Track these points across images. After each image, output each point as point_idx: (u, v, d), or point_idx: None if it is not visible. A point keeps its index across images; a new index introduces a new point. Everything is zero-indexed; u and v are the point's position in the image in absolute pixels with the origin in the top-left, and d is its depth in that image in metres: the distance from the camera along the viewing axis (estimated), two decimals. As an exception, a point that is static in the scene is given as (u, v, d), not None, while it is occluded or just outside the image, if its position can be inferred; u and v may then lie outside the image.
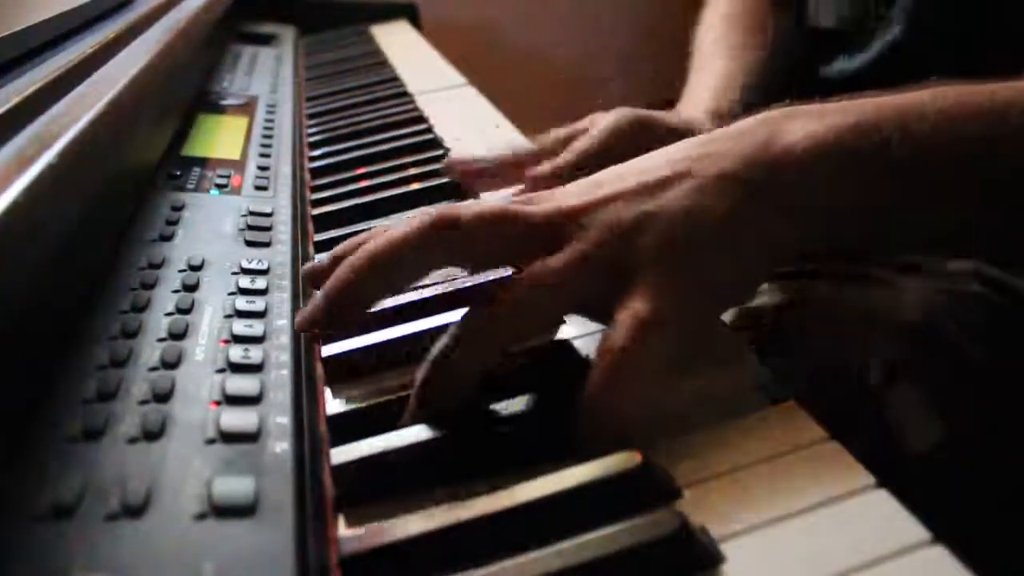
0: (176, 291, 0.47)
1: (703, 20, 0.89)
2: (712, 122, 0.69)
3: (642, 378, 0.36)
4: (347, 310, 0.39)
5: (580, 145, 0.60)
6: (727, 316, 0.55)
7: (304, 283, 0.47)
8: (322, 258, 0.43)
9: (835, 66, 0.76)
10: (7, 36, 0.61)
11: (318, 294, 0.39)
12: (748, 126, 0.42)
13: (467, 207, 0.39)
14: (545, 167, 0.59)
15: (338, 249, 0.42)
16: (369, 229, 0.59)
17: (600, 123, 0.62)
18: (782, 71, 0.82)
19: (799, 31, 0.82)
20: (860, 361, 0.62)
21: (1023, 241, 0.44)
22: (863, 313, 0.66)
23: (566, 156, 0.60)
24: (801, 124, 0.40)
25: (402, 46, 1.29)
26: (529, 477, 0.34)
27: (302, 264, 0.55)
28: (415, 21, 1.57)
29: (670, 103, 0.77)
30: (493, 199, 0.61)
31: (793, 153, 0.39)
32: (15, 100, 0.45)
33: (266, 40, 1.38)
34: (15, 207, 0.33)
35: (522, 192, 0.60)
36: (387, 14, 1.56)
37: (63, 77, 0.53)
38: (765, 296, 0.71)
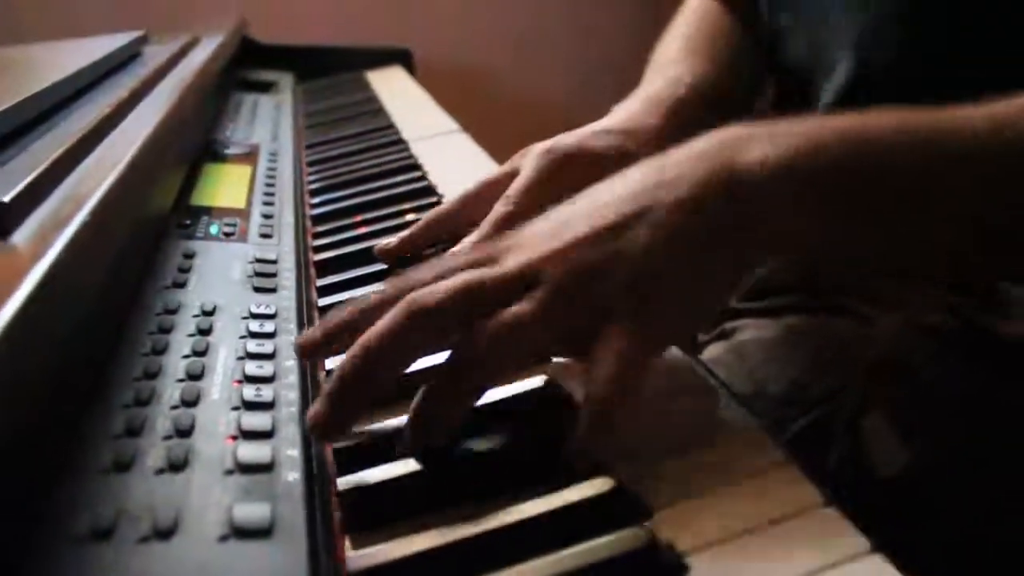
0: (191, 335, 0.51)
1: (661, 42, 0.90)
2: (651, 106, 0.70)
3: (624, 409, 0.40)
4: (350, 412, 0.42)
5: (510, 193, 0.61)
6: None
7: (297, 355, 0.49)
8: (314, 332, 0.46)
9: (797, 106, 0.80)
10: (32, 96, 0.66)
11: (320, 398, 0.41)
12: (705, 148, 0.43)
13: (434, 288, 0.41)
14: (484, 229, 0.60)
15: (328, 325, 0.45)
16: (368, 274, 0.64)
17: (526, 167, 0.63)
18: (737, 88, 0.84)
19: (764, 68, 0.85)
20: (833, 390, 0.66)
21: (983, 260, 0.47)
22: (836, 345, 0.70)
23: (499, 209, 0.61)
24: (759, 146, 0.42)
25: (397, 92, 1.34)
26: (514, 502, 0.38)
27: (306, 308, 0.60)
28: (409, 66, 1.62)
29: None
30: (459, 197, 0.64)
31: (752, 176, 0.41)
32: (46, 162, 0.49)
33: (266, 87, 1.43)
34: (58, 263, 0.37)
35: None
36: (382, 60, 1.61)
37: (87, 137, 0.58)
38: (747, 331, 0.75)
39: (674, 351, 0.49)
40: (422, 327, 0.41)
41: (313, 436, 0.42)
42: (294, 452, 0.41)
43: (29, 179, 0.45)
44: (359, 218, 0.76)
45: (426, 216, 0.66)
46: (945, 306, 0.65)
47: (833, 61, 0.73)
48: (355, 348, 0.41)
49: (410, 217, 0.72)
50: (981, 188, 0.42)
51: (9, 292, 0.33)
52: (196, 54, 1.08)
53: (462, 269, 0.43)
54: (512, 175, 0.64)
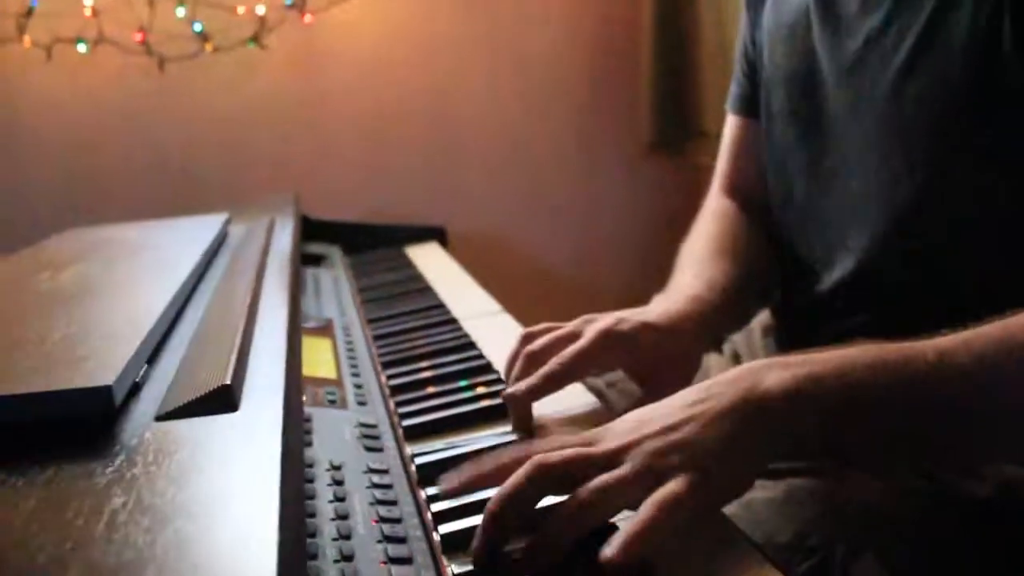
0: (330, 485, 0.66)
1: (689, 238, 1.10)
2: (686, 305, 0.89)
3: (662, 535, 0.55)
4: (500, 535, 0.58)
5: (568, 355, 0.79)
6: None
7: (442, 491, 0.65)
8: (459, 476, 0.63)
9: (801, 291, 0.98)
10: (178, 291, 0.82)
11: (480, 528, 0.58)
12: (737, 375, 0.63)
13: (554, 455, 0.59)
14: (533, 380, 0.78)
15: (472, 473, 0.63)
16: (448, 441, 0.79)
17: (586, 334, 0.82)
18: (755, 289, 1.04)
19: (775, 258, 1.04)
20: (830, 538, 0.81)
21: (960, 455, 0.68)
22: (832, 501, 0.85)
23: (550, 367, 0.79)
24: (776, 374, 0.62)
25: (439, 270, 1.52)
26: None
27: (406, 465, 0.74)
28: (444, 242, 1.82)
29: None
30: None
31: (770, 396, 0.61)
32: (235, 344, 0.65)
33: (318, 260, 1.61)
34: (284, 425, 0.52)
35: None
36: (420, 236, 1.81)
37: (249, 317, 0.74)
38: (756, 490, 0.90)
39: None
40: (545, 482, 0.58)
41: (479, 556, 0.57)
42: (430, 574, 0.56)
43: (233, 360, 0.61)
44: (431, 390, 0.92)
45: (508, 363, 0.84)
46: (925, 472, 0.81)
47: (834, 260, 0.92)
48: (501, 491, 0.57)
49: (481, 390, 0.88)
50: (929, 410, 0.62)
51: (266, 448, 0.48)
52: (280, 236, 1.26)
53: (572, 446, 0.60)
54: (574, 336, 0.82)
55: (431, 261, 1.61)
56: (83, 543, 0.41)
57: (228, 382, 0.58)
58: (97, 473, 0.50)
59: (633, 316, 0.85)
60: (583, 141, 2.54)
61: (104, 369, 0.58)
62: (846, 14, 0.89)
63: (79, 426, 0.55)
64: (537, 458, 0.58)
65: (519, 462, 0.59)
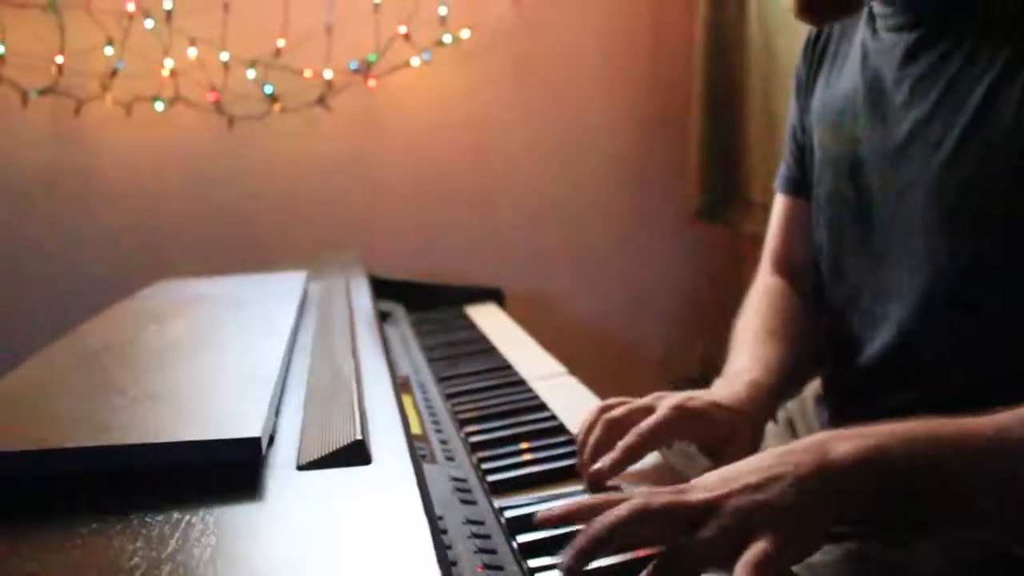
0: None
1: (742, 315, 1.17)
2: (749, 390, 0.96)
3: None
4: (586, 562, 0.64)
5: (645, 427, 0.86)
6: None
7: (537, 520, 0.71)
8: (557, 511, 0.69)
9: (850, 363, 1.04)
10: (287, 349, 0.90)
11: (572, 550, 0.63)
12: (810, 444, 0.69)
13: (656, 499, 0.65)
14: (615, 455, 0.85)
15: (571, 508, 0.69)
16: (531, 496, 0.85)
17: (661, 408, 0.89)
18: (805, 362, 1.10)
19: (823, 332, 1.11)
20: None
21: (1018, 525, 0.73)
22: (890, 564, 0.90)
23: (630, 439, 0.85)
24: (844, 445, 0.68)
25: (500, 331, 1.59)
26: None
27: (498, 517, 0.80)
28: (500, 302, 1.89)
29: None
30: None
31: (840, 465, 0.67)
32: (353, 401, 0.72)
33: (384, 317, 1.68)
34: (415, 475, 0.59)
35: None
36: (478, 296, 1.88)
37: (355, 375, 0.81)
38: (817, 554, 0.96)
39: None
40: (646, 517, 0.64)
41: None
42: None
43: (358, 417, 0.68)
44: (525, 445, 0.98)
45: (588, 440, 0.89)
46: (983, 540, 0.86)
47: (881, 334, 0.98)
48: (598, 522, 0.63)
49: (555, 452, 0.95)
50: (989, 482, 0.68)
51: (407, 498, 0.55)
52: (357, 295, 1.33)
53: (666, 495, 0.66)
54: (648, 410, 0.89)
55: (491, 321, 1.68)
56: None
57: (360, 437, 0.65)
58: (253, 515, 0.57)
59: (702, 395, 0.92)
60: (631, 207, 2.62)
61: (250, 421, 0.65)
62: (893, 103, 0.96)
63: (227, 472, 0.62)
64: (640, 500, 0.65)
65: (614, 502, 0.66)
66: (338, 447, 0.64)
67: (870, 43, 1.00)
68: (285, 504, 0.58)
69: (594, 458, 0.86)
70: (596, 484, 0.86)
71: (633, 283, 2.65)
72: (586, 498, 0.69)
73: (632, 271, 2.64)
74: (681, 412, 0.88)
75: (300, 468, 0.63)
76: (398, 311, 1.77)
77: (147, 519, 0.57)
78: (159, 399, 0.74)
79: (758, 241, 2.44)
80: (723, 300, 2.73)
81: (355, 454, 0.63)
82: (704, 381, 1.19)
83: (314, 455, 0.64)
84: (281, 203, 2.46)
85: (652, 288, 2.66)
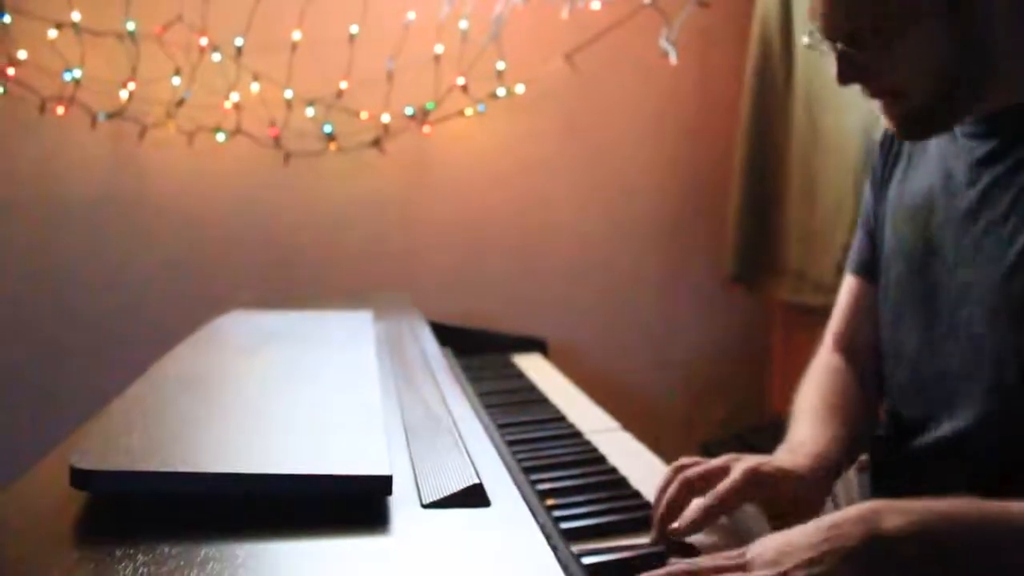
0: None
1: (803, 387, 1.23)
2: (812, 462, 1.01)
3: None
4: None
5: (722, 490, 0.92)
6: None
7: None
8: None
9: (906, 444, 1.10)
10: (374, 391, 0.95)
11: None
12: (859, 515, 0.74)
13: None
14: (697, 516, 0.91)
15: None
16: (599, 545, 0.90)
17: (734, 473, 0.94)
18: (860, 441, 1.15)
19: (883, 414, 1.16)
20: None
21: None
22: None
23: (710, 501, 0.91)
24: (894, 518, 0.74)
25: (549, 382, 1.64)
26: None
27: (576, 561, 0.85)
28: (545, 352, 1.94)
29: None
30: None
31: (890, 537, 0.73)
32: (458, 444, 0.77)
33: (432, 360, 1.73)
34: (534, 516, 0.64)
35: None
36: (522, 346, 1.94)
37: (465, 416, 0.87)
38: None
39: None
40: None
41: None
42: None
43: (470, 461, 0.73)
44: (578, 498, 1.03)
45: (663, 497, 0.94)
46: None
47: (940, 420, 1.03)
48: None
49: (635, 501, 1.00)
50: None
51: (529, 538, 0.60)
52: (425, 339, 1.39)
53: (729, 568, 0.71)
54: (723, 470, 0.95)
55: (539, 372, 1.73)
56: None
57: (478, 481, 0.70)
58: (384, 549, 0.62)
59: (772, 461, 0.98)
60: (667, 267, 2.69)
61: (378, 459, 0.70)
62: (968, 203, 1.02)
63: (353, 505, 0.68)
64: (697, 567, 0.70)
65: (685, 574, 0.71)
66: (458, 488, 0.69)
67: (948, 146, 1.06)
68: (414, 539, 0.63)
69: (669, 513, 0.91)
70: (668, 538, 0.91)
71: (662, 342, 2.70)
72: (659, 572, 0.74)
73: (663, 330, 2.70)
74: (755, 477, 0.94)
75: (425, 507, 0.68)
76: (447, 354, 1.82)
77: (281, 544, 0.62)
78: (277, 430, 0.80)
79: (789, 308, 2.52)
80: (749, 366, 2.80)
81: (475, 495, 0.69)
82: (736, 446, 1.24)
83: (435, 495, 0.69)
84: (328, 239, 2.53)
85: (680, 348, 2.71)
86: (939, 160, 1.07)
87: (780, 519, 0.95)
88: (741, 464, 0.95)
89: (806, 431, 1.08)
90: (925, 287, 1.08)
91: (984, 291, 0.98)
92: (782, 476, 0.96)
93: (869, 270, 1.22)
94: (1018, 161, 0.97)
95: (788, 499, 0.96)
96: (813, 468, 1.00)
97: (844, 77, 0.98)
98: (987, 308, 0.98)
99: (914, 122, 1.00)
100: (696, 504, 0.92)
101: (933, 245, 1.07)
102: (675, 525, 0.90)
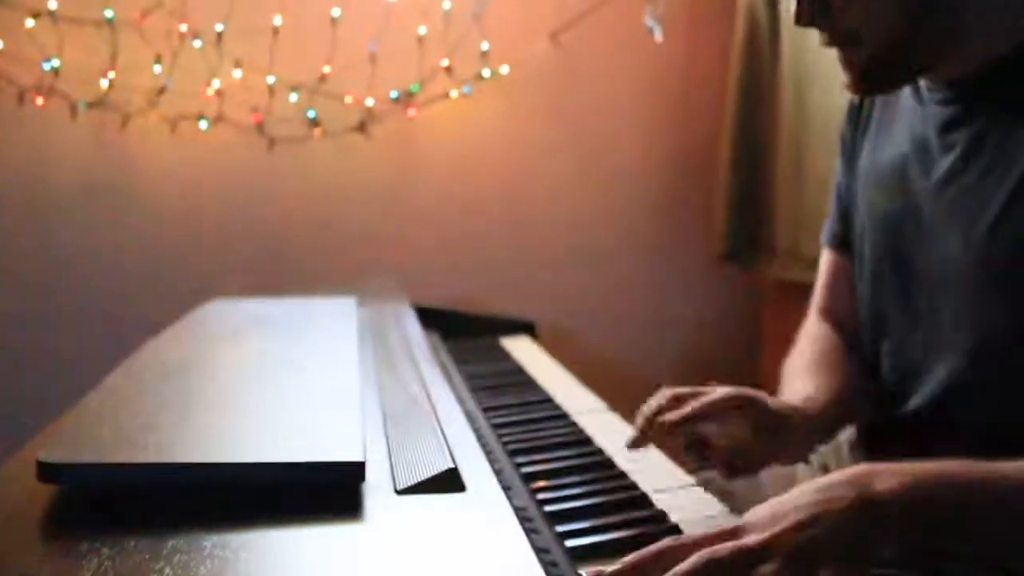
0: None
1: (791, 354, 1.23)
2: (805, 404, 1.04)
3: None
4: None
5: (706, 399, 0.96)
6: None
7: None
8: (628, 560, 0.71)
9: (889, 413, 1.10)
10: (352, 381, 0.94)
11: None
12: (851, 476, 0.74)
13: (722, 549, 0.69)
14: (675, 415, 0.96)
15: (641, 556, 0.71)
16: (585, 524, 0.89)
17: (720, 390, 0.97)
18: (854, 397, 1.15)
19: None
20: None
21: None
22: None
23: (694, 405, 0.96)
24: (885, 480, 0.73)
25: (537, 364, 1.63)
26: None
27: (559, 545, 0.84)
28: (533, 335, 1.93)
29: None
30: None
31: (881, 500, 0.72)
32: (439, 431, 0.76)
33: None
34: (509, 503, 0.63)
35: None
36: (511, 329, 1.92)
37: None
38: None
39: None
40: (711, 572, 0.68)
41: None
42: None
43: (446, 446, 0.72)
44: (562, 480, 1.02)
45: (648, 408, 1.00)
46: (1014, 571, 0.90)
47: (922, 386, 1.03)
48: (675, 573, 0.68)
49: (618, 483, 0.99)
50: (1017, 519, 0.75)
51: (504, 523, 0.59)
52: (410, 324, 1.38)
53: (721, 538, 0.71)
54: (705, 393, 0.99)
55: (527, 354, 1.72)
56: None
57: (453, 466, 0.69)
58: (358, 535, 0.61)
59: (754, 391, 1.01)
60: (658, 247, 2.67)
61: (351, 445, 0.69)
62: (941, 168, 1.01)
63: (326, 493, 0.66)
64: (707, 552, 0.69)
65: (676, 550, 0.70)
66: (433, 474, 0.68)
67: (917, 111, 1.05)
68: (387, 526, 0.62)
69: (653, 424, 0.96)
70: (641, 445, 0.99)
71: (653, 321, 2.69)
72: (651, 548, 0.72)
73: (653, 309, 2.69)
74: (741, 392, 0.97)
75: (399, 493, 0.67)
76: (434, 340, 1.80)
77: (251, 534, 0.61)
78: (251, 419, 0.79)
79: (780, 286, 2.50)
80: (741, 343, 2.79)
81: (450, 481, 0.67)
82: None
83: (409, 481, 0.68)
84: (315, 225, 2.51)
85: (672, 327, 2.70)
86: (909, 127, 1.06)
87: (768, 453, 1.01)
88: (729, 389, 0.98)
89: (796, 385, 1.10)
90: (902, 254, 1.08)
91: (961, 253, 0.98)
92: (768, 398, 0.99)
93: (843, 242, 1.22)
94: (990, 121, 0.96)
95: (774, 423, 0.99)
96: (803, 403, 1.03)
97: (802, 18, 0.96)
98: (965, 271, 0.98)
99: (872, 75, 0.99)
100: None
101: (908, 212, 1.06)
102: (666, 417, 0.95)
